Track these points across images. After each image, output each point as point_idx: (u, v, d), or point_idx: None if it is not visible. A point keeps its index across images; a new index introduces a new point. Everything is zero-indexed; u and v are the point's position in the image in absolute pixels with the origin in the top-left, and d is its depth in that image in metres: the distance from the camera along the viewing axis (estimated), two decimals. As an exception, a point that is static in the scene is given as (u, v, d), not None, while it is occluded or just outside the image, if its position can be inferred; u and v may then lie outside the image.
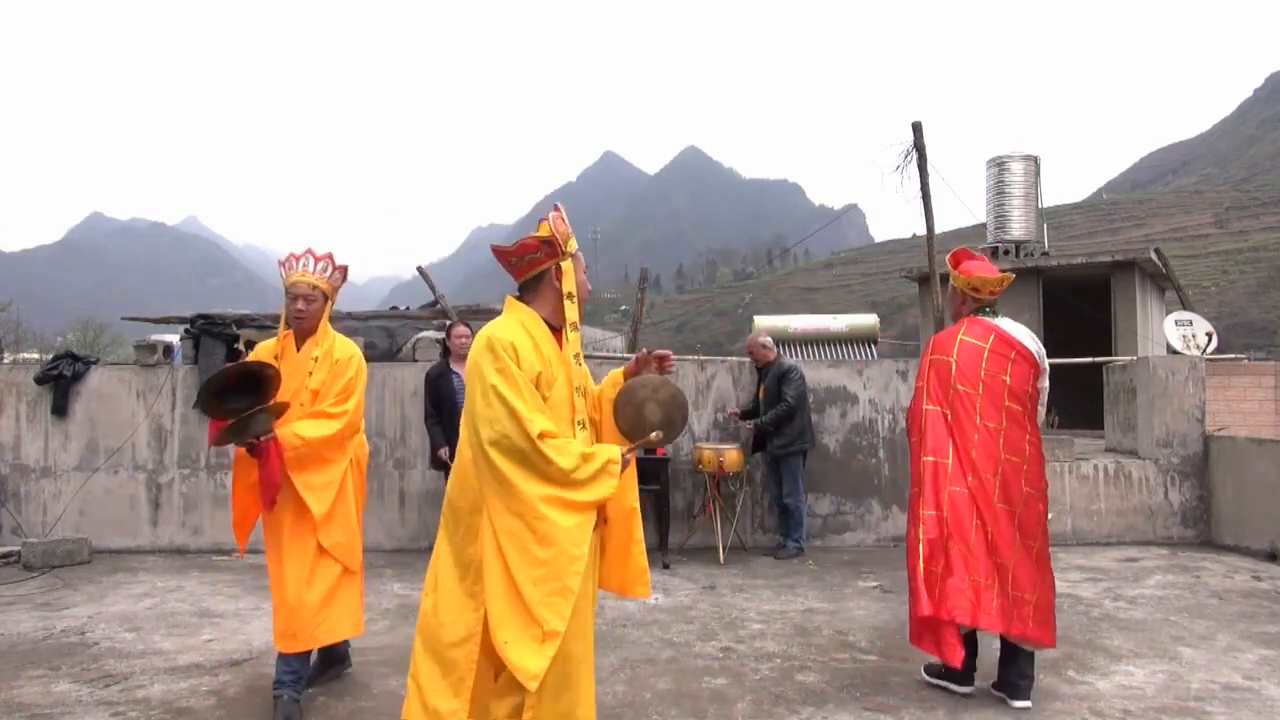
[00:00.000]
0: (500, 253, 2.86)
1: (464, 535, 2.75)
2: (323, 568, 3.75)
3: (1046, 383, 4.04)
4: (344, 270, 4.02)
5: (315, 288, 3.92)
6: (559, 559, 2.56)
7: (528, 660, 2.51)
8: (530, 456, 2.59)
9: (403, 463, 7.58)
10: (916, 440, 3.98)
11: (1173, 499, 7.57)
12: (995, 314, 4.08)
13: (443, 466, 6.78)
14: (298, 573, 3.72)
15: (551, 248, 2.82)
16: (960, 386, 3.85)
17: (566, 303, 2.83)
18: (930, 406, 3.90)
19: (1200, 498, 7.55)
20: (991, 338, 3.94)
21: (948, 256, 4.34)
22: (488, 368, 2.65)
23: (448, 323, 7.71)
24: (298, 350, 3.93)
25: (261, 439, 3.61)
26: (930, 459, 3.83)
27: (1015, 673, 3.82)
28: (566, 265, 2.83)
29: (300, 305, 3.88)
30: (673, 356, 3.13)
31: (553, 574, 2.55)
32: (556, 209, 2.89)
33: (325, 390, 3.87)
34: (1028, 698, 3.78)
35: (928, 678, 4.09)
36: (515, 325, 2.77)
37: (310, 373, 3.86)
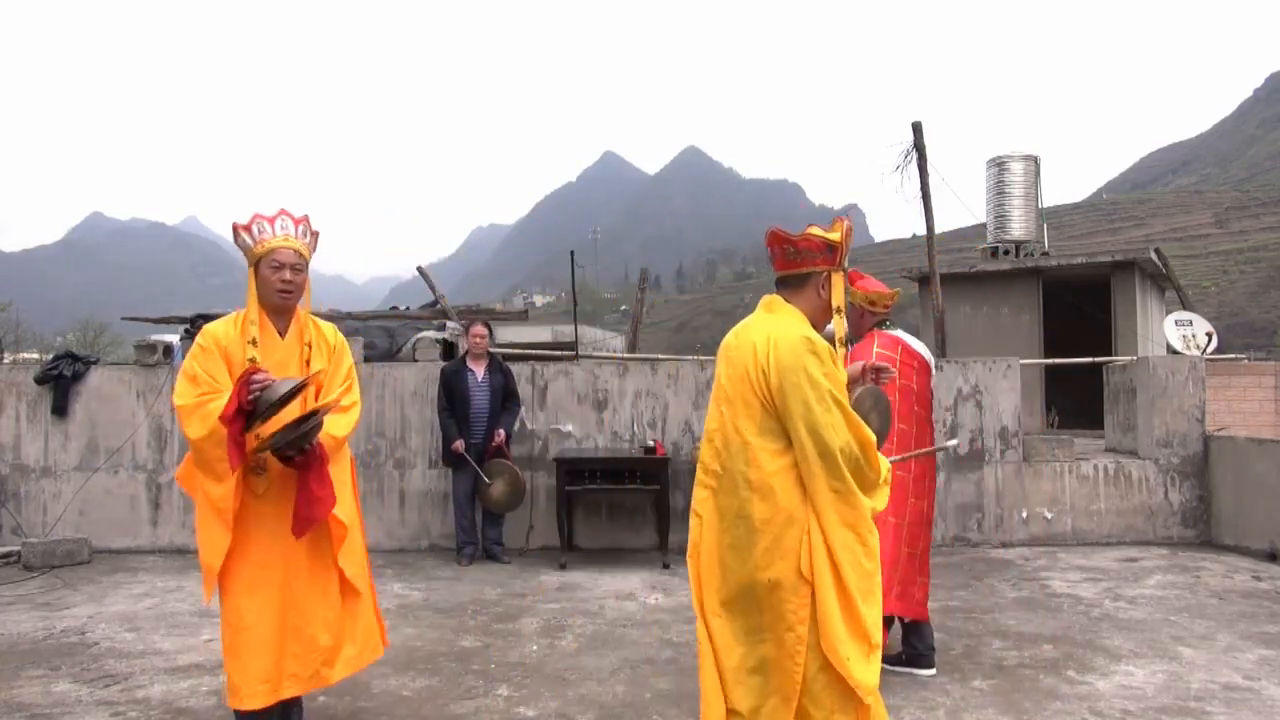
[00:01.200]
0: (778, 237, 2.75)
1: (767, 551, 2.53)
2: (346, 591, 3.29)
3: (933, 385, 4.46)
4: (317, 236, 3.42)
5: (301, 255, 3.26)
6: (877, 572, 2.57)
7: (867, 675, 2.49)
8: (862, 466, 2.54)
9: (403, 463, 7.58)
10: None
11: (1173, 499, 7.57)
12: (892, 326, 4.36)
13: (455, 461, 6.83)
14: (319, 603, 3.19)
15: (833, 254, 2.72)
16: None
17: (836, 316, 2.76)
18: None
19: (1200, 498, 7.55)
20: (900, 349, 4.23)
21: (848, 275, 4.54)
22: (816, 371, 2.53)
23: (464, 323, 7.73)
24: (282, 335, 3.27)
25: (309, 447, 3.07)
26: None
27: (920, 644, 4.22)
28: (838, 277, 2.75)
29: (287, 276, 3.20)
30: (893, 370, 3.20)
31: (874, 586, 2.55)
32: (847, 219, 2.85)
33: (329, 381, 3.33)
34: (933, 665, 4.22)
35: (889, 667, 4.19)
36: (809, 326, 2.68)
37: (308, 361, 3.29)
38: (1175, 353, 10.97)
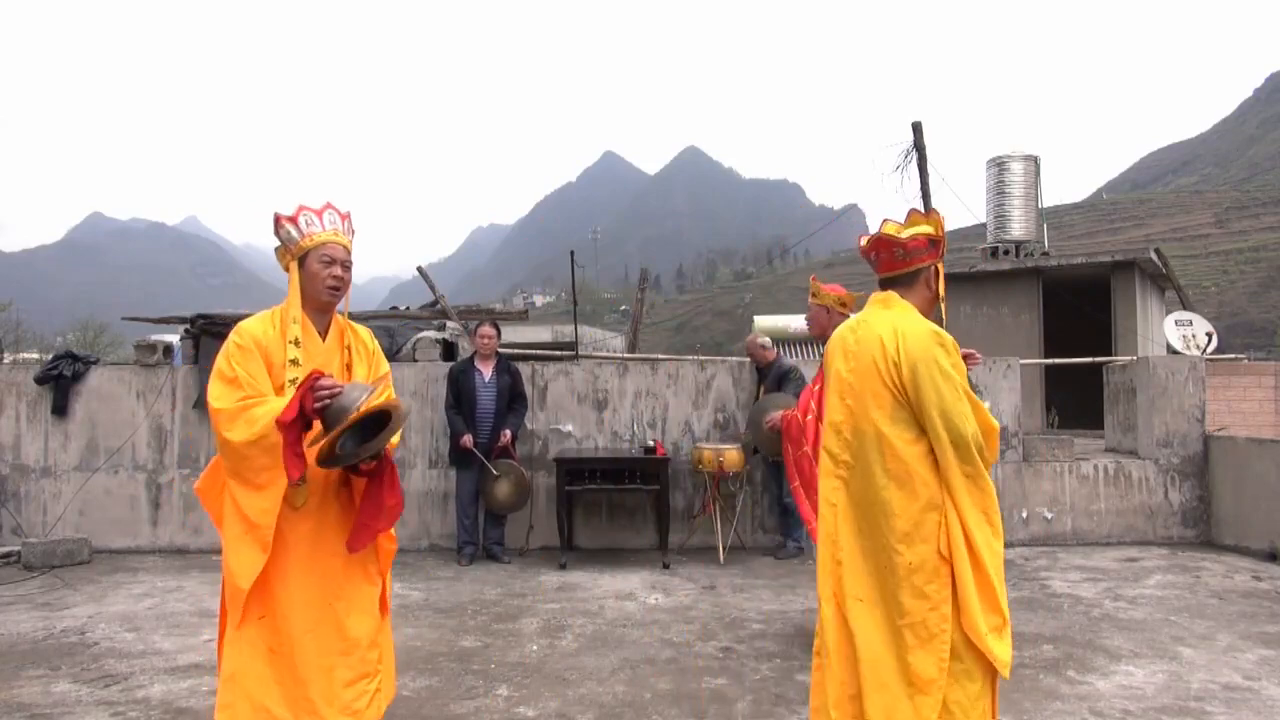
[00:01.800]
0: (887, 241, 2.82)
1: (907, 536, 2.63)
2: (383, 610, 3.03)
3: None
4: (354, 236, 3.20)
5: (349, 252, 3.04)
6: (1002, 551, 2.71)
7: (1003, 649, 2.58)
8: (984, 452, 2.68)
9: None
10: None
11: (1173, 499, 7.57)
12: None
13: (460, 459, 6.83)
14: (363, 623, 2.91)
15: (936, 247, 2.84)
16: None
17: (941, 305, 2.91)
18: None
19: (1200, 498, 7.55)
20: None
21: (814, 280, 4.94)
22: (945, 362, 2.67)
23: (466, 322, 7.73)
24: (322, 336, 3.01)
25: (378, 454, 2.81)
26: None
27: None
28: (940, 267, 2.88)
29: (338, 272, 2.97)
30: (978, 356, 3.35)
31: (1002, 565, 2.70)
32: (937, 212, 2.95)
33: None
34: None
35: None
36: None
37: (348, 365, 3.06)
38: (1175, 353, 10.97)
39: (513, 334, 16.32)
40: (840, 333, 2.94)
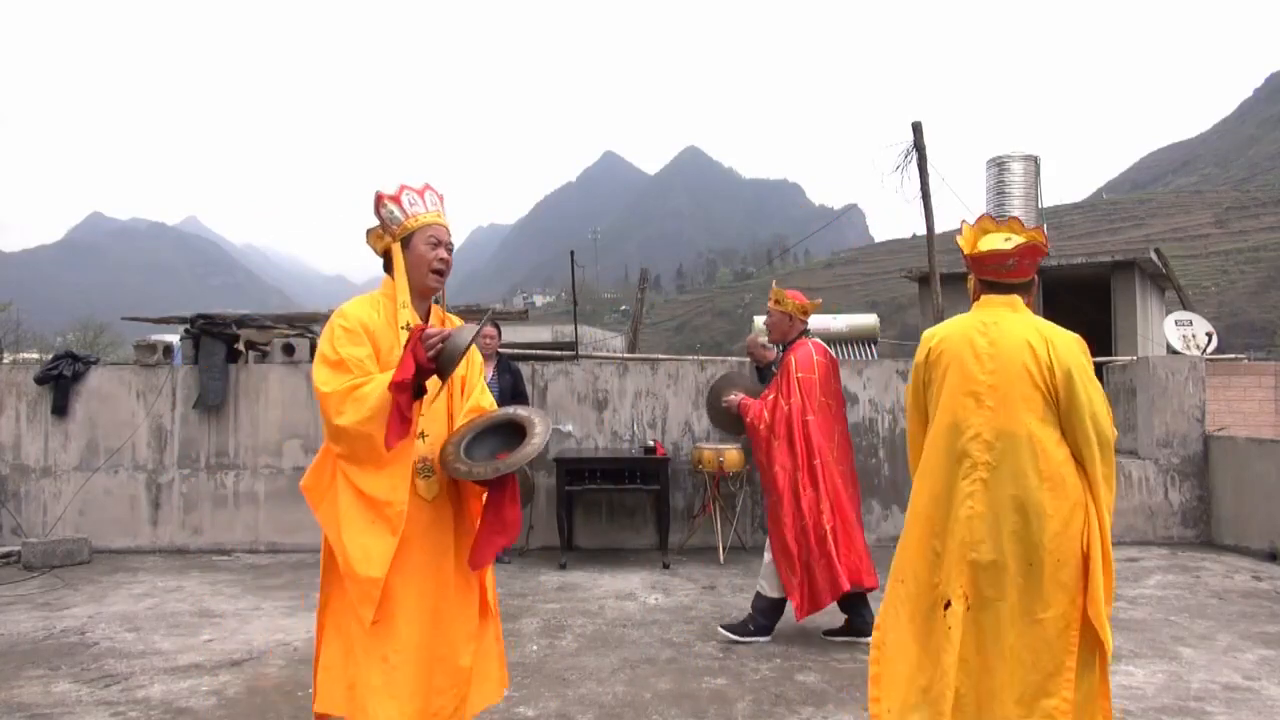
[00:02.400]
0: (1035, 248, 2.90)
1: (1057, 535, 2.71)
2: (484, 611, 2.89)
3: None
4: None
5: (450, 234, 2.89)
6: None
7: (1111, 635, 2.75)
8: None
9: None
10: (786, 444, 4.73)
11: (1173, 499, 7.57)
12: (810, 334, 5.04)
13: None
14: (462, 624, 2.75)
15: (1038, 253, 2.95)
16: (824, 397, 4.81)
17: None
18: (810, 417, 4.72)
19: (1200, 498, 7.55)
20: (826, 354, 4.93)
21: (776, 288, 5.08)
22: (1089, 367, 2.84)
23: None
24: (424, 323, 2.79)
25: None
26: (817, 461, 4.67)
27: (868, 614, 4.63)
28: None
29: (444, 254, 2.82)
30: None
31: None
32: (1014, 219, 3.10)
33: (468, 380, 2.94)
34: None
35: (837, 638, 4.77)
36: None
37: None
38: (1175, 353, 10.97)
39: (513, 334, 16.32)
40: (962, 335, 2.92)
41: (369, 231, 2.89)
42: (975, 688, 2.73)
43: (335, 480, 2.65)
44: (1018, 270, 2.89)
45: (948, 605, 2.78)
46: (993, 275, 2.92)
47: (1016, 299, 2.91)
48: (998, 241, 2.92)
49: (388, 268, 2.83)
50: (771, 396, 4.84)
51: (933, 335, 3.02)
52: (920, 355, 3.04)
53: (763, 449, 4.84)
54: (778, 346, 5.14)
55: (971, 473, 2.81)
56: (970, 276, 3.08)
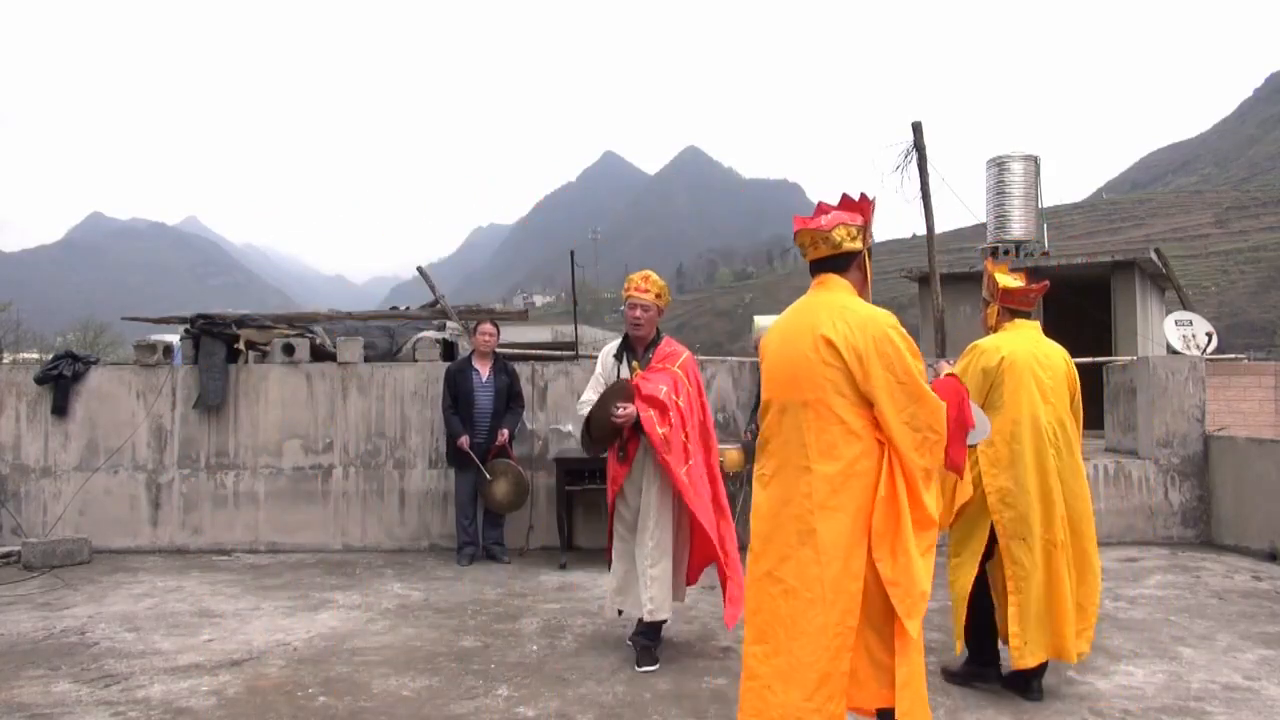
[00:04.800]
0: (1042, 288, 4.22)
1: (1088, 497, 4.07)
2: None
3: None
4: None
5: None
6: None
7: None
8: None
9: (403, 463, 7.58)
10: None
11: (1173, 499, 7.57)
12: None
13: (458, 460, 6.83)
14: None
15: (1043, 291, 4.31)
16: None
17: None
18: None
19: (1200, 498, 7.54)
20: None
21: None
22: None
23: (466, 322, 7.73)
24: None
25: None
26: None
27: None
28: None
29: None
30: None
31: None
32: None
33: None
34: None
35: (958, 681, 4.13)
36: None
37: None
38: (1175, 353, 10.97)
39: (513, 334, 16.32)
40: (1025, 350, 4.00)
41: (842, 238, 2.93)
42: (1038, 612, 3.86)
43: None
44: (1032, 304, 4.08)
45: (1054, 547, 3.86)
46: (1018, 305, 4.10)
47: (1036, 323, 4.09)
48: (1008, 280, 4.17)
49: (834, 267, 2.96)
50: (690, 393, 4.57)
51: (999, 347, 4.00)
52: (992, 360, 3.97)
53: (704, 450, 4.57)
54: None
55: (1048, 452, 3.88)
56: (993, 306, 4.18)
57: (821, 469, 2.71)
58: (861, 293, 2.94)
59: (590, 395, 4.67)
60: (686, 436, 4.39)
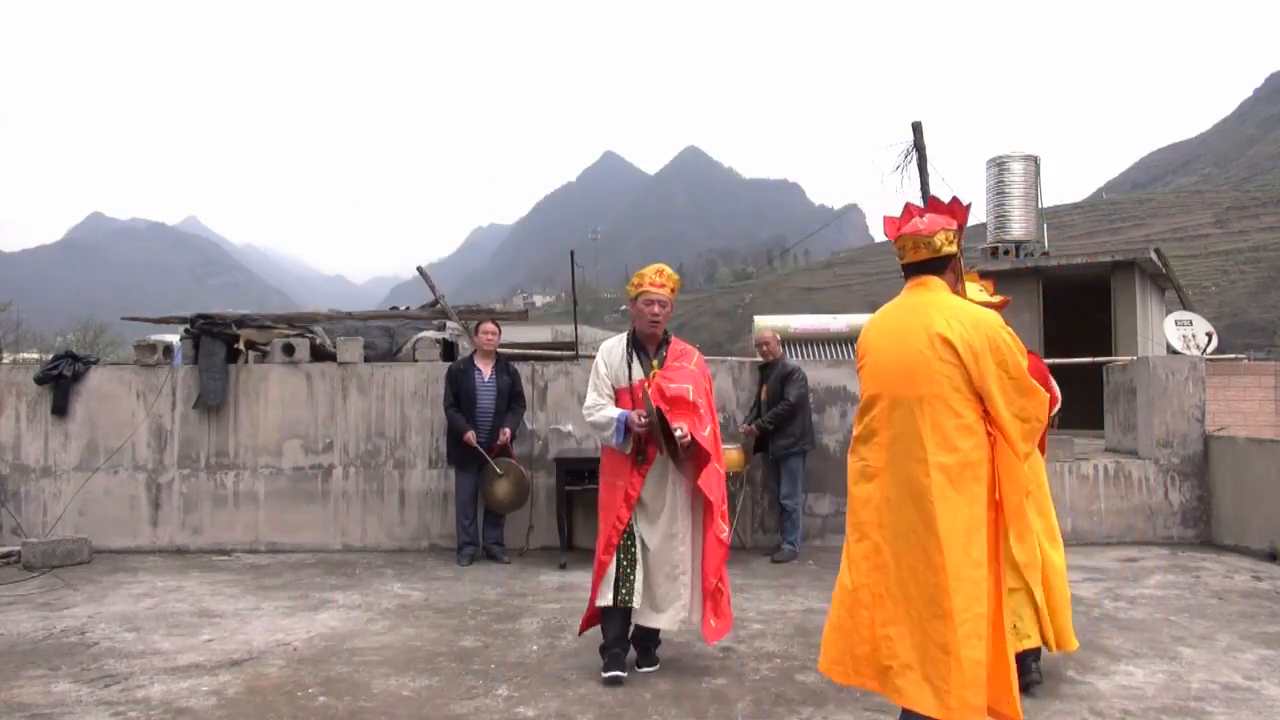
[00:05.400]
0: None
1: None
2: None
3: None
4: None
5: None
6: None
7: None
8: None
9: (403, 463, 7.58)
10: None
11: (1173, 499, 7.57)
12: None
13: (461, 458, 6.82)
14: None
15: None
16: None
17: None
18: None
19: (1200, 498, 7.55)
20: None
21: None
22: None
23: (466, 322, 7.73)
24: None
25: None
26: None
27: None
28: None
29: None
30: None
31: None
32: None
33: None
34: None
35: None
36: None
37: None
38: (1175, 353, 10.98)
39: (513, 334, 16.31)
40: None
41: (951, 232, 3.14)
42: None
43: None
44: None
45: None
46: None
47: None
48: (975, 292, 3.86)
49: (933, 269, 3.13)
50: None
51: None
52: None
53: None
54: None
55: None
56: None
57: (939, 460, 2.87)
58: (955, 292, 3.12)
59: (596, 398, 4.33)
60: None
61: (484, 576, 6.44)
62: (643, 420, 4.13)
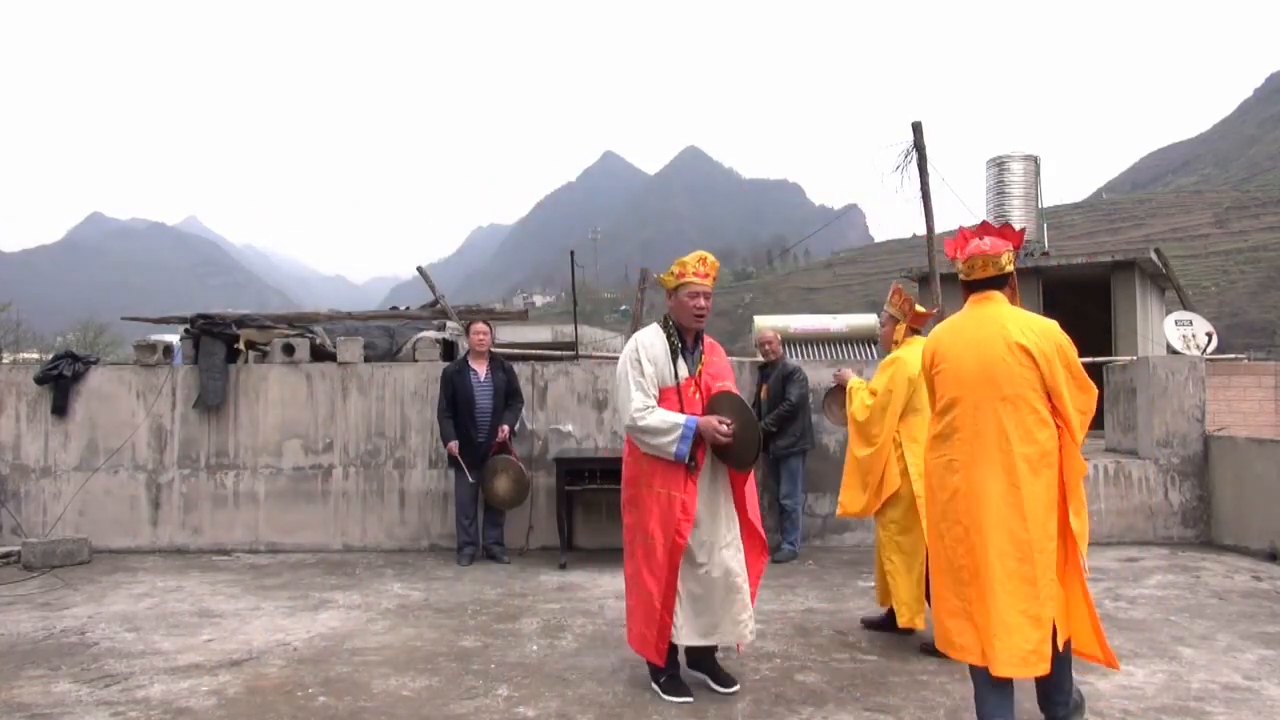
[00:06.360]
0: None
1: None
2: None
3: None
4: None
5: None
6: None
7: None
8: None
9: (403, 463, 7.58)
10: None
11: (1173, 499, 7.57)
12: None
13: (456, 463, 6.84)
14: None
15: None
16: None
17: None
18: None
19: (1200, 498, 7.55)
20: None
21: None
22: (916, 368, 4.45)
23: (464, 322, 7.74)
24: None
25: None
26: None
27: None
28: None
29: None
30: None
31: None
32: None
33: None
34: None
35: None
36: None
37: None
38: (1175, 353, 10.97)
39: (513, 334, 16.32)
40: None
41: (1011, 253, 3.63)
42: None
43: None
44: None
45: None
46: (919, 325, 4.81)
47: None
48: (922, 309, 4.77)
49: (996, 285, 3.62)
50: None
51: (915, 359, 4.34)
52: (915, 370, 4.40)
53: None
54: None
55: None
56: (902, 325, 4.92)
57: (1022, 451, 3.33)
58: (1012, 303, 3.58)
59: (643, 399, 3.89)
60: None
61: (484, 576, 6.44)
62: (726, 429, 3.79)
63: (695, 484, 3.89)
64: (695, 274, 4.00)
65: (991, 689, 3.30)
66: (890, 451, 4.76)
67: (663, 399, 3.94)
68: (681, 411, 3.87)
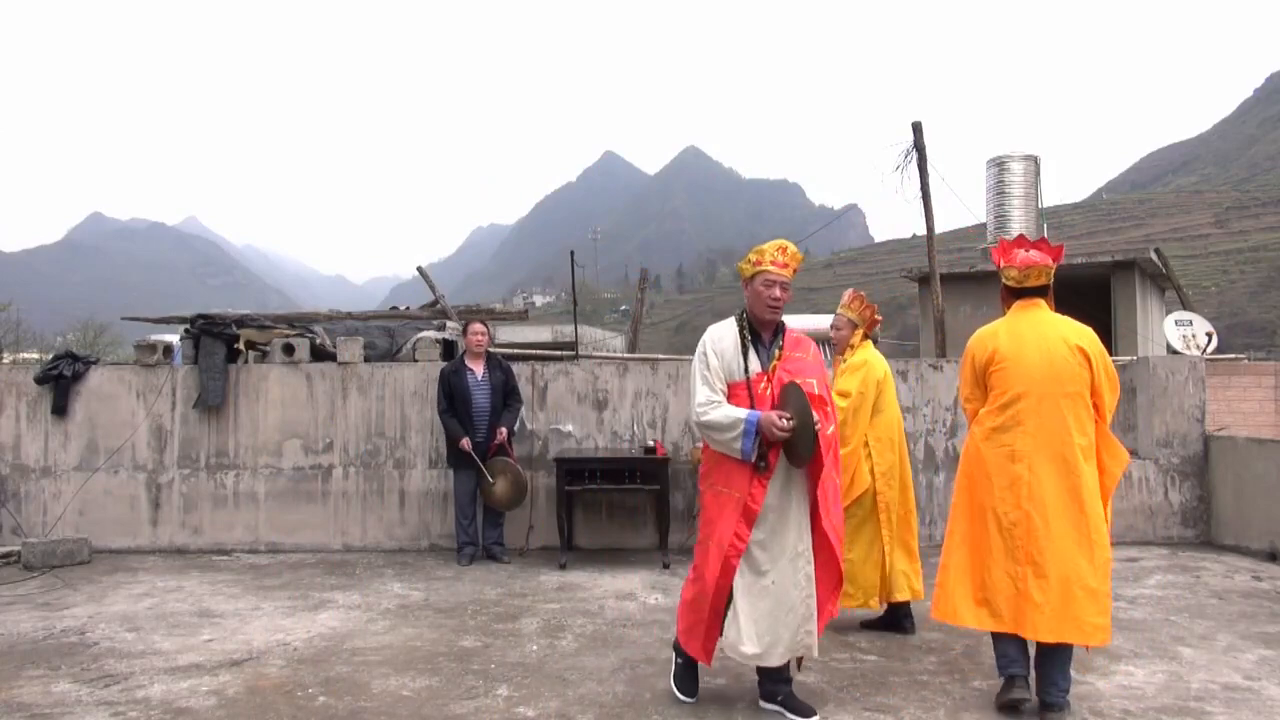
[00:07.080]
0: None
1: None
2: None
3: None
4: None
5: None
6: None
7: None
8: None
9: (403, 463, 7.58)
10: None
11: (1173, 499, 7.57)
12: None
13: (458, 461, 6.83)
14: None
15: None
16: None
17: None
18: None
19: (1200, 498, 7.55)
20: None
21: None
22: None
23: (464, 323, 7.73)
24: None
25: None
26: None
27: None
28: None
29: None
30: None
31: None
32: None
33: None
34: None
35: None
36: None
37: None
38: (1175, 353, 10.97)
39: (513, 334, 16.31)
40: (884, 365, 5.19)
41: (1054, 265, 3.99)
42: None
43: None
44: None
45: None
46: (873, 330, 5.32)
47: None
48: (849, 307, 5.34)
49: (1042, 293, 4.00)
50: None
51: (879, 363, 5.15)
52: (879, 374, 5.07)
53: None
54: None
55: (900, 439, 5.21)
56: (860, 330, 5.24)
57: (1079, 442, 3.75)
58: (1052, 309, 3.95)
59: (709, 394, 3.71)
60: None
61: (484, 576, 6.44)
62: (786, 424, 3.51)
63: (764, 486, 3.62)
64: (773, 263, 3.76)
65: (1010, 643, 3.72)
66: (860, 452, 4.88)
67: (732, 394, 3.71)
68: (752, 408, 3.63)
